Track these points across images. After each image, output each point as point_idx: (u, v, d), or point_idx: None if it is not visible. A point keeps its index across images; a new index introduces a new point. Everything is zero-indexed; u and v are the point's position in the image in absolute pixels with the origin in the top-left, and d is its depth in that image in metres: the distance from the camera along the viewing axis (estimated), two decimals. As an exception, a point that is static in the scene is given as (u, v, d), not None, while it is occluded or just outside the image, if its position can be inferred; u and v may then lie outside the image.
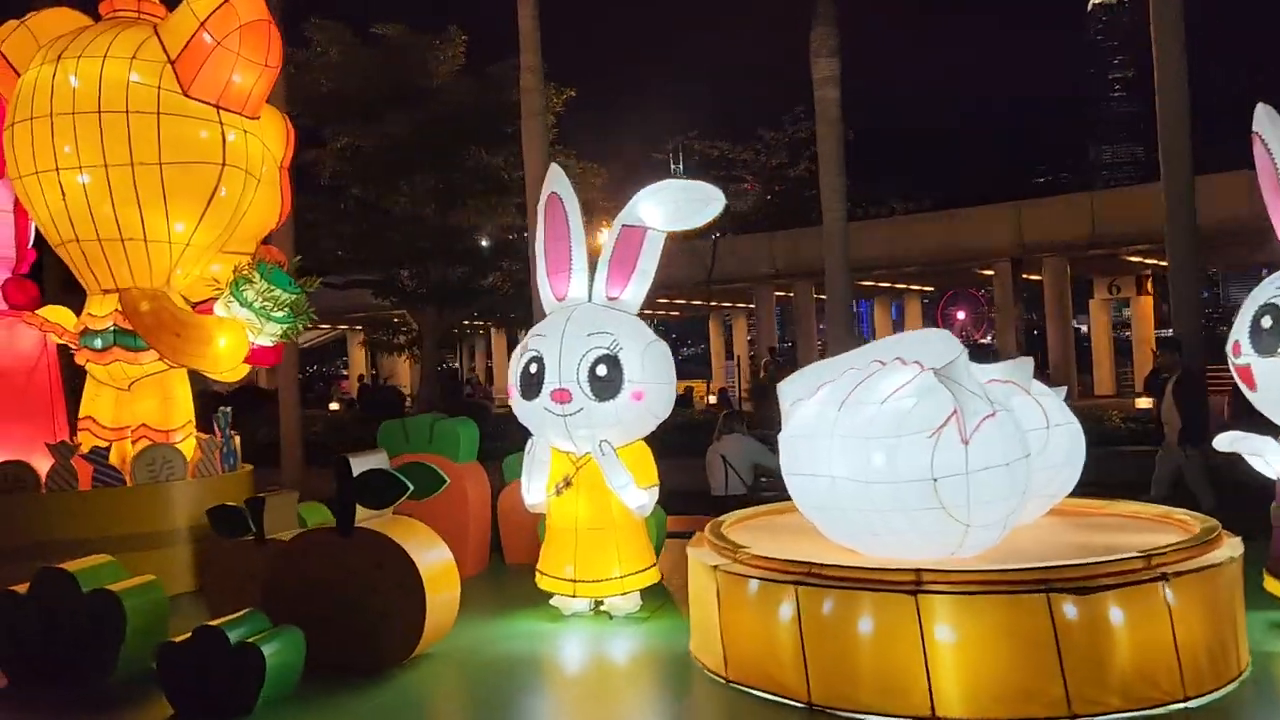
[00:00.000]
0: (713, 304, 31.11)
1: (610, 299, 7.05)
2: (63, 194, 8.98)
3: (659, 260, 7.11)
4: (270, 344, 9.73)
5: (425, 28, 22.13)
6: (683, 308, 50.74)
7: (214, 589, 7.11)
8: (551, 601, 7.32)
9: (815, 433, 5.69)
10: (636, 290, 7.05)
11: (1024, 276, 36.76)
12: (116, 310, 9.29)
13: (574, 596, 7.09)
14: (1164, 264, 41.00)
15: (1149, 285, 41.72)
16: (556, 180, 7.25)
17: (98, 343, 9.37)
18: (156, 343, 9.15)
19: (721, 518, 6.77)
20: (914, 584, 4.95)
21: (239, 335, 9.39)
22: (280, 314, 9.52)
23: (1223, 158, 22.11)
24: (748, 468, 11.99)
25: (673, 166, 23.10)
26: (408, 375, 43.68)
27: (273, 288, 9.45)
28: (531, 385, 6.89)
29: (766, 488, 11.78)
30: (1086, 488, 6.58)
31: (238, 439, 9.83)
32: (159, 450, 8.98)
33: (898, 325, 48.13)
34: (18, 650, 6.32)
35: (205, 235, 9.47)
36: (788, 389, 6.18)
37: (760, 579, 5.42)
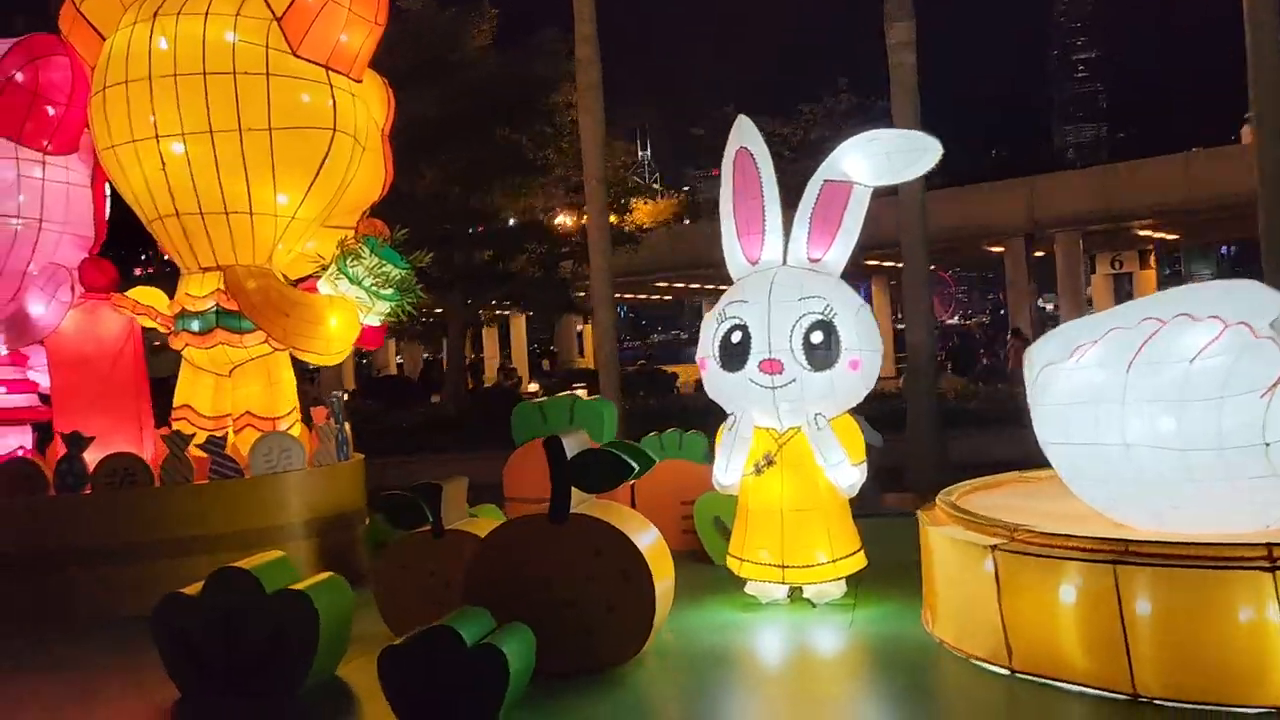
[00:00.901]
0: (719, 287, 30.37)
1: (812, 261, 6.48)
2: (162, 164, 8.27)
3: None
4: (377, 323, 9.10)
5: (454, 0, 21.36)
6: (663, 290, 50.09)
7: (385, 588, 6.48)
8: (747, 589, 6.75)
9: (1098, 398, 5.15)
10: (841, 251, 6.49)
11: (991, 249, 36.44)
12: (219, 290, 8.60)
13: (782, 583, 6.52)
14: (1172, 237, 40.91)
15: (1152, 259, 41.64)
16: (746, 134, 6.67)
17: (196, 325, 8.68)
18: (264, 323, 8.48)
19: (949, 490, 6.25)
20: (1268, 560, 4.43)
21: (350, 315, 8.75)
22: (388, 291, 8.90)
23: None
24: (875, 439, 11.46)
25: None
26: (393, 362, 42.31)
27: (383, 263, 8.82)
28: (735, 355, 6.31)
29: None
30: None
31: (349, 426, 9.16)
32: (276, 439, 8.31)
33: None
34: (192, 659, 5.67)
35: (312, 207, 8.79)
36: (1039, 353, 5.64)
37: (1064, 559, 4.88)
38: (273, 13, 8.36)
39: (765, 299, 6.25)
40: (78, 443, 7.88)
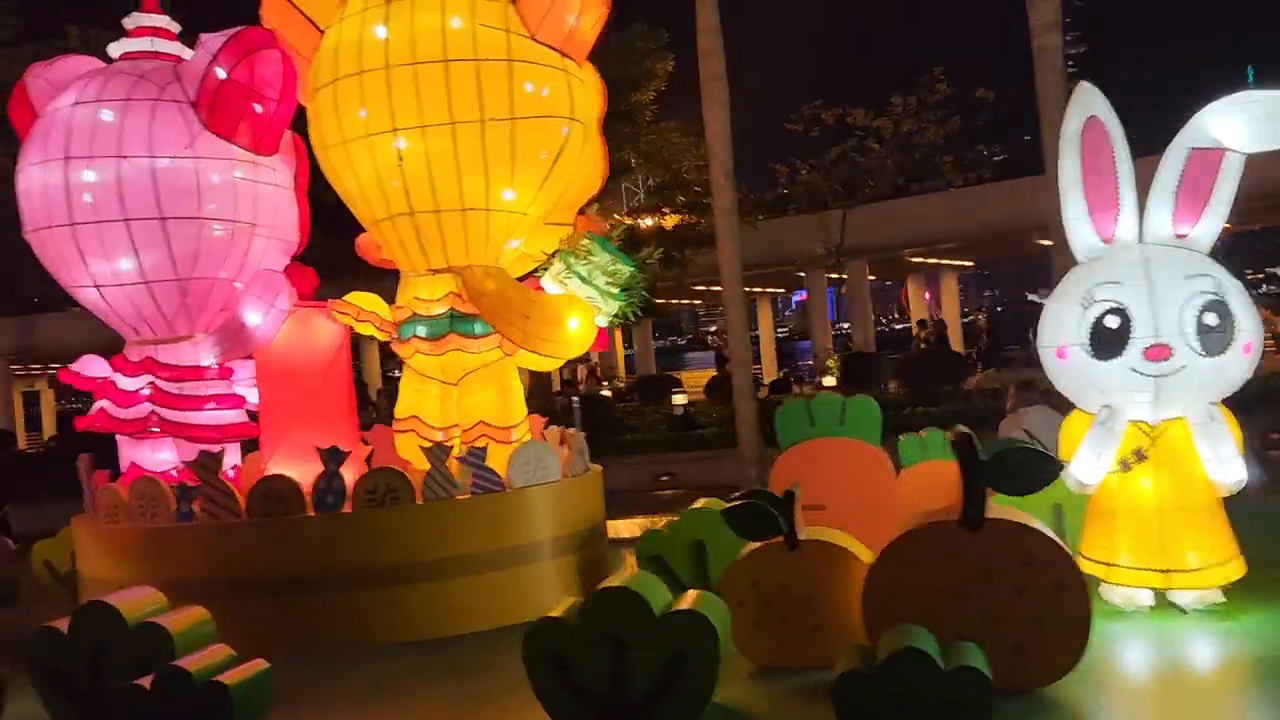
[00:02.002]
0: (832, 277, 29.78)
1: (1179, 237, 5.99)
2: (399, 158, 7.76)
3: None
4: (604, 324, 8.60)
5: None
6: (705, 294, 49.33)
7: (731, 605, 5.95)
8: (1107, 595, 6.25)
9: None
10: (1212, 224, 6.00)
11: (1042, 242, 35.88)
12: (452, 292, 8.09)
13: (1165, 588, 6.02)
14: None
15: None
16: (1094, 102, 6.19)
17: (421, 330, 8.16)
18: (504, 326, 7.96)
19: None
20: None
21: (588, 315, 8.24)
22: (618, 291, 8.41)
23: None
24: (1054, 441, 10.96)
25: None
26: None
27: (615, 260, 8.32)
28: (1112, 342, 5.83)
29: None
30: None
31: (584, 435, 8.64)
32: (534, 448, 7.79)
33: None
34: (571, 688, 5.14)
35: (544, 202, 8.30)
36: None
37: None
38: (506, -7, 7.86)
39: (1143, 279, 5.76)
40: (336, 458, 7.36)
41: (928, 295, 51.98)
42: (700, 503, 7.64)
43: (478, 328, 8.09)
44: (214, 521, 7.40)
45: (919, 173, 22.41)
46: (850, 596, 5.72)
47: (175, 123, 8.00)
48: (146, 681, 5.34)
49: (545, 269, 8.42)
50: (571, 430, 8.31)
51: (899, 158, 20.74)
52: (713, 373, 29.11)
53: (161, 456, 8.62)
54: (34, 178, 8.06)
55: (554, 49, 7.95)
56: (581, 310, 8.18)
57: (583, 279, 8.27)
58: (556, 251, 8.36)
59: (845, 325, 47.07)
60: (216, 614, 5.98)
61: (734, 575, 5.97)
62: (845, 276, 31.55)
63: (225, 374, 8.63)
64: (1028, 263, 40.98)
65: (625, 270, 8.38)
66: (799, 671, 5.69)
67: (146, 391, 8.43)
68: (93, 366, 8.91)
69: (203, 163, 8.05)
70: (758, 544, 5.95)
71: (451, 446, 7.62)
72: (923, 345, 26.20)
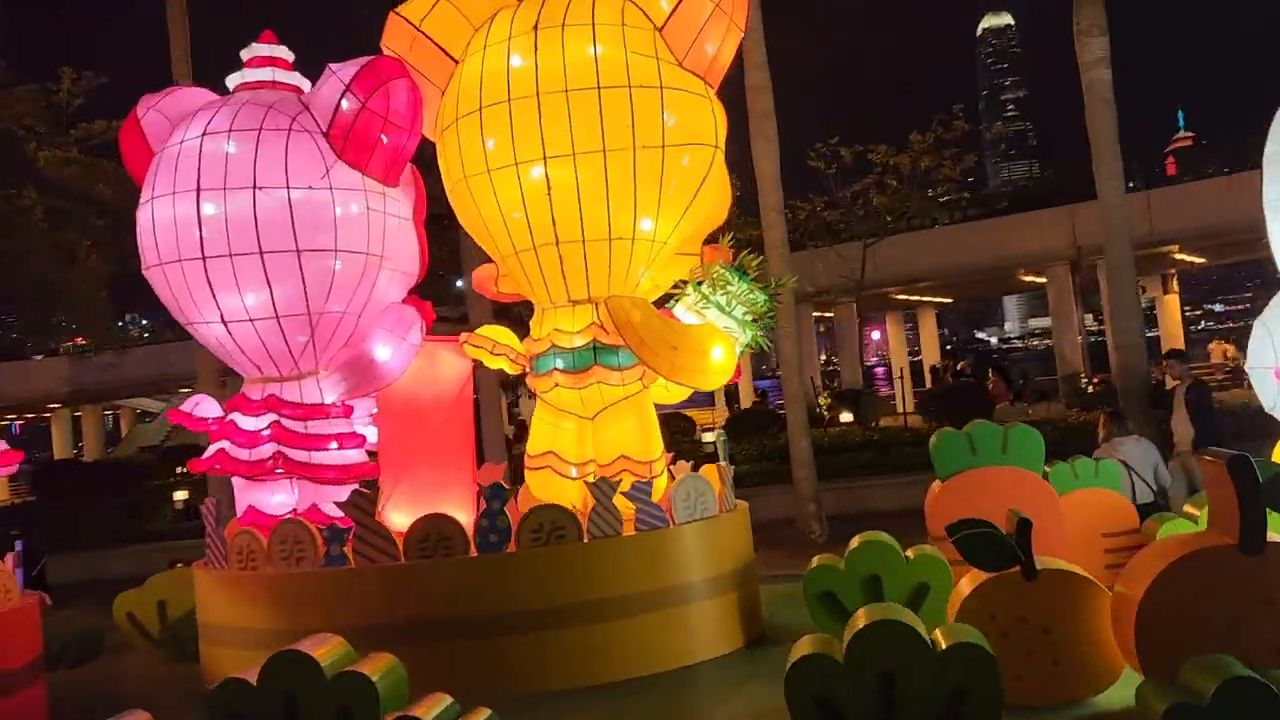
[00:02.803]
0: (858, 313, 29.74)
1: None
2: (548, 188, 7.58)
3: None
4: (738, 354, 8.43)
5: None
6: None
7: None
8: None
9: None
10: None
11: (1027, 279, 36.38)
12: (594, 323, 7.89)
13: None
14: (1200, 260, 41.37)
15: (1174, 284, 42.01)
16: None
17: (562, 362, 7.94)
18: (650, 356, 7.76)
19: None
20: None
21: (729, 345, 8.07)
22: (753, 321, 8.27)
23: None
24: (1151, 473, 10.92)
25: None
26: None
27: (751, 291, 8.18)
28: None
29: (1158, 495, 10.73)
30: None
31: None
32: (694, 482, 7.57)
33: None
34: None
35: (683, 230, 8.17)
36: None
37: None
38: (652, 23, 7.75)
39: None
40: (499, 495, 7.08)
41: (876, 334, 52.40)
42: (864, 536, 7.48)
43: (621, 359, 7.89)
44: (368, 565, 7.07)
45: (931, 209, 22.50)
46: (1093, 627, 5.57)
47: (310, 153, 7.76)
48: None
49: (678, 299, 8.26)
50: (721, 464, 8.09)
51: (919, 193, 20.88)
52: (715, 412, 28.85)
53: (277, 499, 8.26)
54: (162, 210, 7.75)
55: (698, 76, 7.84)
56: (723, 340, 8.01)
57: (721, 309, 8.12)
58: (690, 281, 8.21)
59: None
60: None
61: (968, 608, 5.77)
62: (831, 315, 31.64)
63: (346, 412, 8.31)
64: (979, 302, 41.30)
65: (761, 300, 8.24)
66: (1044, 709, 5.50)
67: (266, 432, 8.08)
68: (205, 407, 8.56)
69: (337, 194, 7.79)
70: (991, 575, 5.77)
71: (619, 481, 7.37)
72: (954, 379, 26.27)
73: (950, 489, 7.73)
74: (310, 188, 7.70)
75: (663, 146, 7.59)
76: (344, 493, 8.18)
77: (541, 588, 6.97)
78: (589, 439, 8.15)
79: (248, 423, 8.10)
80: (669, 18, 7.74)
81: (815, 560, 7.64)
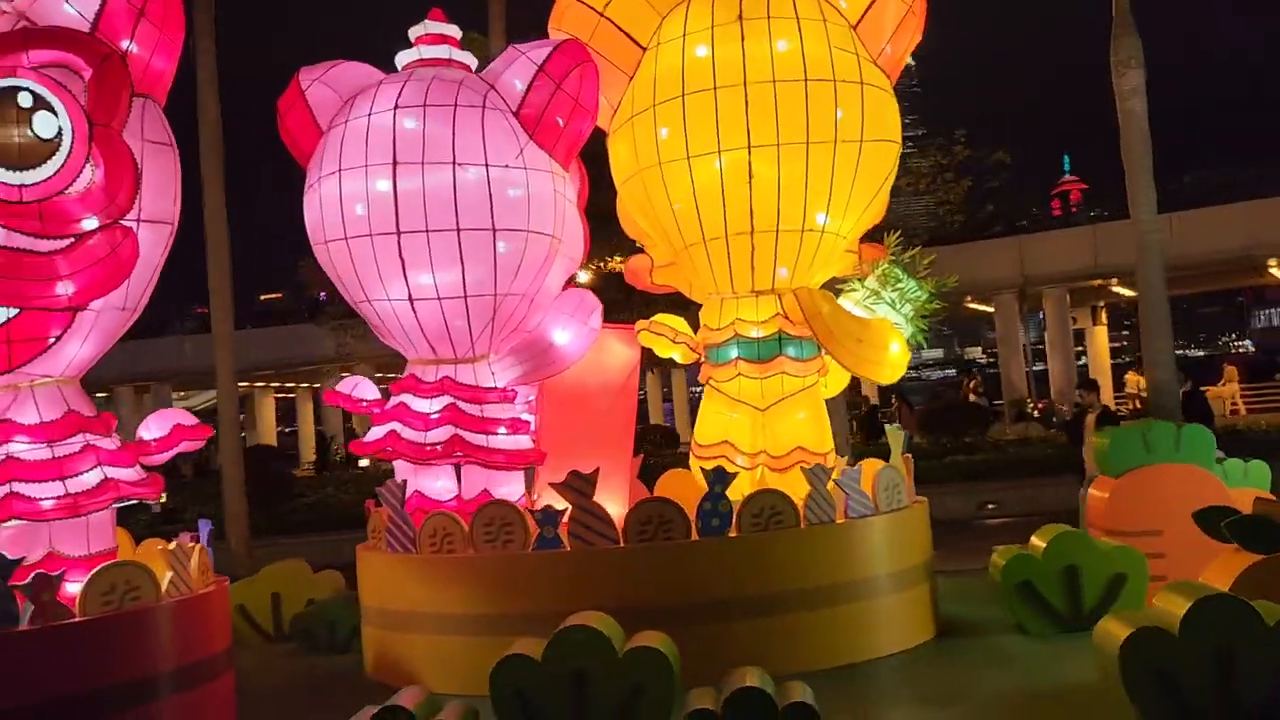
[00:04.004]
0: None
1: None
2: (749, 176, 7.62)
3: None
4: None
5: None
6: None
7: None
8: None
9: None
10: None
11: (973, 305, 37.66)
12: (778, 314, 7.94)
13: None
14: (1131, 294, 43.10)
15: (1103, 316, 43.76)
16: None
17: (746, 352, 7.97)
18: (836, 348, 7.87)
19: None
20: None
21: (903, 340, 8.23)
22: (916, 317, 8.46)
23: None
24: None
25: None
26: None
27: (920, 288, 8.37)
28: None
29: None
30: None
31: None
32: (892, 472, 7.64)
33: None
34: (1181, 711, 5.03)
35: (862, 225, 8.32)
36: None
37: None
38: (845, 20, 7.89)
39: None
40: (722, 479, 7.04)
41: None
42: (1053, 528, 7.65)
43: (804, 350, 7.97)
44: (584, 547, 6.96)
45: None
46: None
47: (504, 131, 7.64)
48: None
49: (844, 293, 8.41)
50: (907, 455, 8.18)
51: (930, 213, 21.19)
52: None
53: (440, 485, 8.06)
54: (352, 184, 7.54)
55: (886, 73, 8.00)
56: (899, 336, 8.16)
57: (891, 305, 8.27)
58: (859, 277, 8.36)
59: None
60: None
61: (1241, 589, 5.95)
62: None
63: (512, 397, 8.17)
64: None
65: (925, 297, 8.42)
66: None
67: (434, 415, 7.90)
68: (363, 388, 8.33)
69: (531, 174, 7.69)
70: (1259, 558, 5.97)
71: (832, 469, 7.41)
72: (971, 397, 26.83)
73: (1126, 485, 7.96)
74: (507, 166, 7.58)
75: (860, 141, 7.71)
76: (512, 479, 8.11)
77: (761, 573, 6.96)
78: (760, 430, 8.17)
79: (421, 405, 7.90)
80: (863, 15, 7.88)
81: (998, 552, 7.81)
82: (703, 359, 8.22)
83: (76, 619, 5.63)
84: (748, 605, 6.90)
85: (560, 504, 7.09)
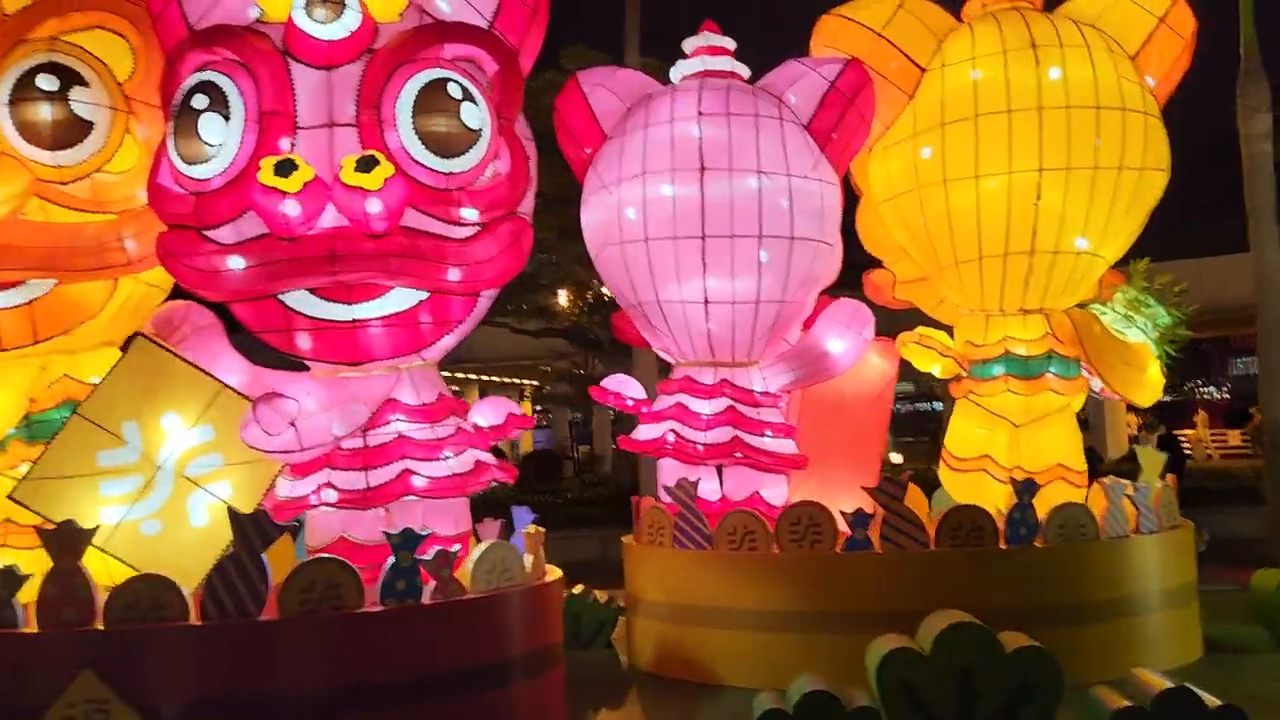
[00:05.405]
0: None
1: None
2: (1038, 198, 7.87)
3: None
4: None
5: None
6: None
7: None
8: None
9: None
10: None
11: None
12: (1048, 333, 8.18)
13: None
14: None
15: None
16: None
17: (1015, 369, 8.20)
18: (1104, 369, 8.13)
19: None
20: None
21: (1157, 363, 8.50)
22: (1162, 343, 8.73)
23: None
24: None
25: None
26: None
27: (1168, 313, 8.66)
28: None
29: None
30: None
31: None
32: (1169, 493, 7.88)
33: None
34: None
35: (1122, 251, 8.55)
36: None
37: None
38: (1121, 49, 8.17)
39: None
40: (1030, 489, 7.27)
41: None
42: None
43: (1070, 369, 8.20)
44: (895, 550, 7.15)
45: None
46: None
47: (802, 143, 7.87)
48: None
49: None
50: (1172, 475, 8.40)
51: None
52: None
53: (707, 486, 8.22)
54: (655, 188, 7.74)
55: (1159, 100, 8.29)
56: (1154, 359, 8.42)
57: (1142, 330, 8.53)
58: (1106, 302, 8.62)
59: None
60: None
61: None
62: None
63: (777, 402, 8.37)
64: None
65: (1171, 322, 8.69)
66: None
67: (711, 416, 8.08)
68: (631, 387, 8.52)
69: (825, 186, 7.93)
70: None
71: (1126, 483, 7.65)
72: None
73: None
74: (806, 177, 7.81)
75: (1141, 169, 7.97)
76: (780, 481, 8.29)
77: (1065, 584, 7.16)
78: (1016, 446, 8.39)
79: (699, 405, 8.08)
80: (1141, 48, 8.17)
81: (1258, 575, 8.07)
82: (964, 373, 8.43)
83: (468, 595, 5.77)
84: (1050, 614, 7.02)
85: (868, 506, 7.28)
